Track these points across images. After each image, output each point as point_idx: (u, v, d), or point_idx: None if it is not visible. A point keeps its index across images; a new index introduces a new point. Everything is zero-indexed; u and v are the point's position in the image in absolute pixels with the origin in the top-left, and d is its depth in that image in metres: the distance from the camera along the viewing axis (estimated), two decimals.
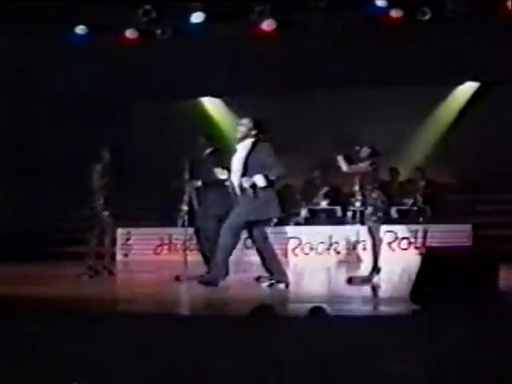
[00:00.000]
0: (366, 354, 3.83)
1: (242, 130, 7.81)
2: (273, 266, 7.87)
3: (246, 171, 7.62)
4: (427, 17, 11.01)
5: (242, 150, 7.75)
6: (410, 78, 13.38)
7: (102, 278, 9.45)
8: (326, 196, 13.67)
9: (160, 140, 14.66)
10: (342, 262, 11.64)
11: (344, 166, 8.56)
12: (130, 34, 11.82)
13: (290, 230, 12.69)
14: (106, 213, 9.64)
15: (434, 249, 7.07)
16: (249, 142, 7.76)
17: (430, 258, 6.04)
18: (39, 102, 13.48)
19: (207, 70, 12.40)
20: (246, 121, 7.87)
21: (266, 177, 7.57)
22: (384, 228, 10.76)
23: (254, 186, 7.56)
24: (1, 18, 10.92)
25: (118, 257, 12.20)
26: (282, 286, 7.79)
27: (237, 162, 7.74)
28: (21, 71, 12.07)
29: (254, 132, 7.80)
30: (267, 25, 11.38)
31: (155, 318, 5.44)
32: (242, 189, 7.63)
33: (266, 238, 7.90)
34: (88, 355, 3.90)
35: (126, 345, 4.12)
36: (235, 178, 7.71)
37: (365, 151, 8.64)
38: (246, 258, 11.49)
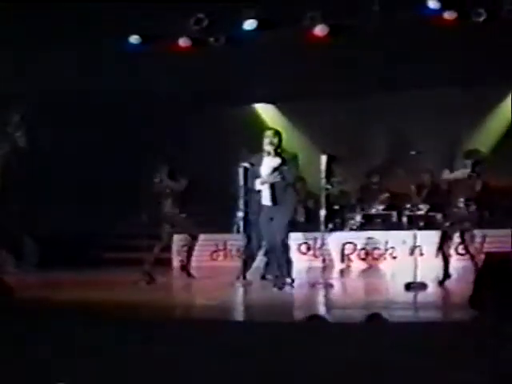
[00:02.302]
0: (425, 360, 3.82)
1: (273, 143, 8.32)
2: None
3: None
4: (482, 18, 10.86)
5: (270, 164, 8.33)
6: (464, 80, 13.21)
7: (158, 284, 9.57)
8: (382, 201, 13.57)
9: (214, 146, 14.76)
10: (398, 267, 11.55)
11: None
12: (183, 42, 11.95)
13: (345, 235, 12.63)
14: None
15: (492, 254, 6.97)
16: (277, 160, 8.30)
17: (489, 263, 5.99)
18: (92, 110, 13.67)
19: (260, 76, 12.45)
20: (271, 133, 8.51)
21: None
22: (437, 233, 10.68)
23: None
24: (54, 29, 11.15)
25: (175, 263, 12.31)
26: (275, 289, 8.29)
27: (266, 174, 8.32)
28: (74, 81, 12.29)
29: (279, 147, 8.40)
30: (320, 30, 11.38)
31: (213, 324, 5.50)
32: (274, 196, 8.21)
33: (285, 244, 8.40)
34: (146, 360, 3.97)
35: (185, 350, 4.18)
36: (265, 188, 8.31)
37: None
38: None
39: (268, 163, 8.34)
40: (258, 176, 8.38)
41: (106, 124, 13.77)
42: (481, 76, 12.85)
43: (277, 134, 8.48)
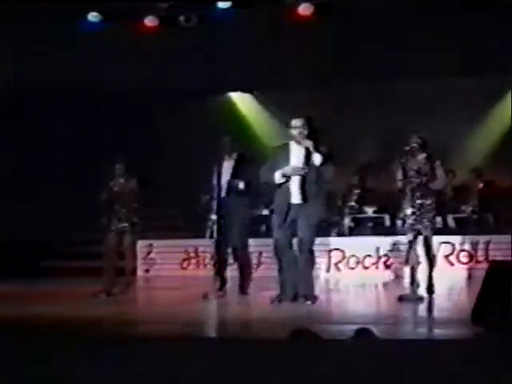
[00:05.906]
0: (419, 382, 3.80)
1: (301, 132, 7.93)
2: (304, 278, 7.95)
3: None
4: None
5: (298, 155, 7.93)
6: (465, 67, 13.18)
7: (119, 296, 9.49)
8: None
9: (184, 140, 14.71)
10: (392, 277, 11.57)
11: None
12: (149, 21, 11.90)
13: (332, 241, 12.63)
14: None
15: (498, 263, 6.97)
16: (303, 150, 7.89)
17: (494, 272, 5.98)
18: (51, 95, 13.55)
19: (236, 61, 12.42)
20: (301, 122, 8.01)
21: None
22: (440, 239, 10.68)
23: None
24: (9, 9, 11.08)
25: (139, 272, 12.23)
26: (308, 303, 7.86)
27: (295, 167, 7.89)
28: (31, 62, 12.22)
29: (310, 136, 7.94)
30: (304, 9, 11.35)
31: (180, 342, 5.45)
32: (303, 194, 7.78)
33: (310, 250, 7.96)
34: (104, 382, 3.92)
35: (147, 371, 4.14)
36: (295, 183, 7.85)
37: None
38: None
39: (297, 152, 7.93)
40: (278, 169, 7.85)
41: (60, 117, 13.69)
42: (484, 63, 12.87)
43: (308, 122, 8.04)
